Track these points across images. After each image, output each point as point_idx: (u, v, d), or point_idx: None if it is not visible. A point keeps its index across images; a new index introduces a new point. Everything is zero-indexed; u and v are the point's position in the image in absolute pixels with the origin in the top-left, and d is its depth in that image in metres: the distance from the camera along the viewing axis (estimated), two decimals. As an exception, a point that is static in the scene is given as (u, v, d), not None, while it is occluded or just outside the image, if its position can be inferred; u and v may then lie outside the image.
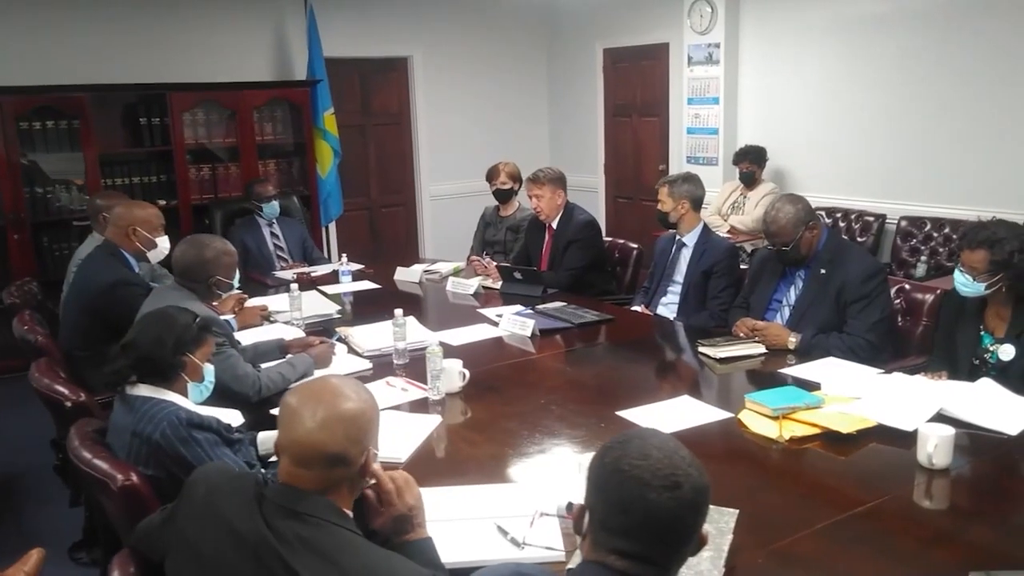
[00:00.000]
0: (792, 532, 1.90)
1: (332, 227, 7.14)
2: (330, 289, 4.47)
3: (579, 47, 7.78)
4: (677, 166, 6.88)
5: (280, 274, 4.87)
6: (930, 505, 2.10)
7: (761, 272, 3.56)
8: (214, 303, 3.89)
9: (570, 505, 2.04)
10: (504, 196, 5.12)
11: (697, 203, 4.02)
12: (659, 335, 3.75)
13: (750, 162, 5.94)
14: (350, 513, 1.52)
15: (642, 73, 7.27)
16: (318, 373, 3.02)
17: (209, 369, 2.33)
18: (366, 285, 4.61)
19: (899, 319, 3.48)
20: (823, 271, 3.29)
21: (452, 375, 2.82)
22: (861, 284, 3.19)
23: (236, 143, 6.26)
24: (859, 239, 5.63)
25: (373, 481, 1.60)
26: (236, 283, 3.10)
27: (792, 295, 3.39)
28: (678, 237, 4.07)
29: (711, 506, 1.88)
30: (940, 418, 2.41)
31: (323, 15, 6.54)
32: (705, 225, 4.07)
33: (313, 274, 4.82)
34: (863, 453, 2.32)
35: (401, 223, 7.73)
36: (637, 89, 7.36)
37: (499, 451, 2.38)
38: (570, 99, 8.01)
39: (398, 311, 3.14)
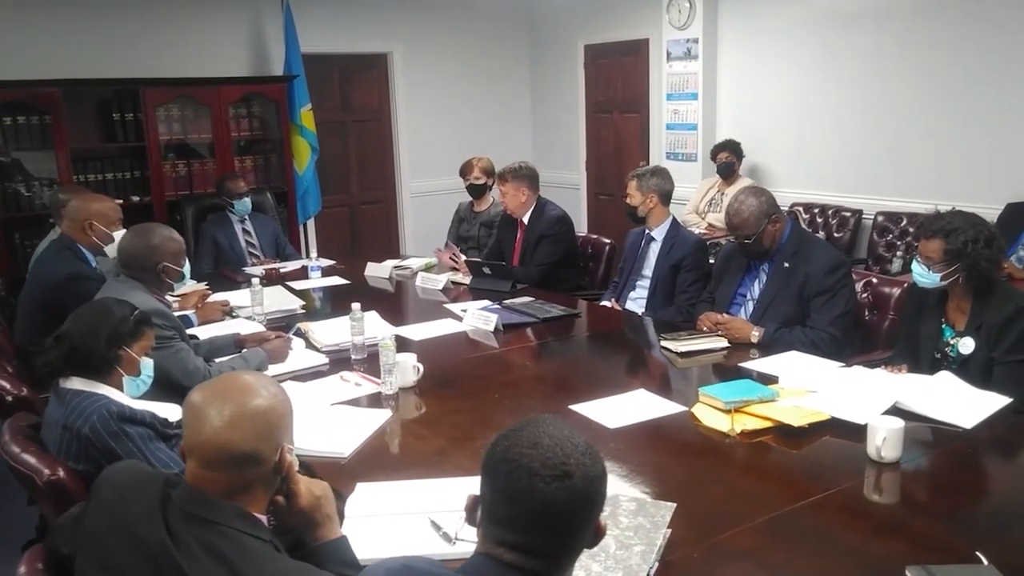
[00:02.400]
0: (733, 526, 1.86)
1: (311, 224, 7.09)
2: (298, 285, 4.43)
3: (560, 43, 7.74)
4: (657, 162, 6.83)
5: (250, 270, 4.82)
6: (876, 499, 2.06)
7: (727, 266, 3.53)
8: (173, 295, 3.88)
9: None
10: (477, 191, 5.08)
11: (666, 197, 3.99)
12: (624, 329, 3.72)
13: (730, 152, 5.91)
14: (263, 517, 1.46)
15: (622, 69, 7.23)
16: (274, 368, 2.98)
17: (147, 363, 2.28)
18: (336, 281, 4.57)
19: (866, 313, 3.46)
20: (787, 264, 3.26)
21: (406, 369, 2.78)
22: (824, 277, 3.16)
23: (212, 139, 6.20)
24: (835, 235, 5.60)
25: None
26: (187, 271, 3.02)
27: (756, 289, 3.36)
28: (647, 231, 4.04)
29: (648, 500, 1.87)
30: (896, 411, 2.38)
31: (300, 10, 6.49)
32: (674, 219, 4.04)
33: (282, 270, 4.77)
34: (815, 447, 2.28)
35: (382, 220, 7.68)
36: (617, 85, 7.32)
37: (444, 446, 2.35)
38: (551, 96, 7.97)
39: (355, 305, 3.10)
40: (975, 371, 2.70)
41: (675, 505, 1.82)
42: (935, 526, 1.87)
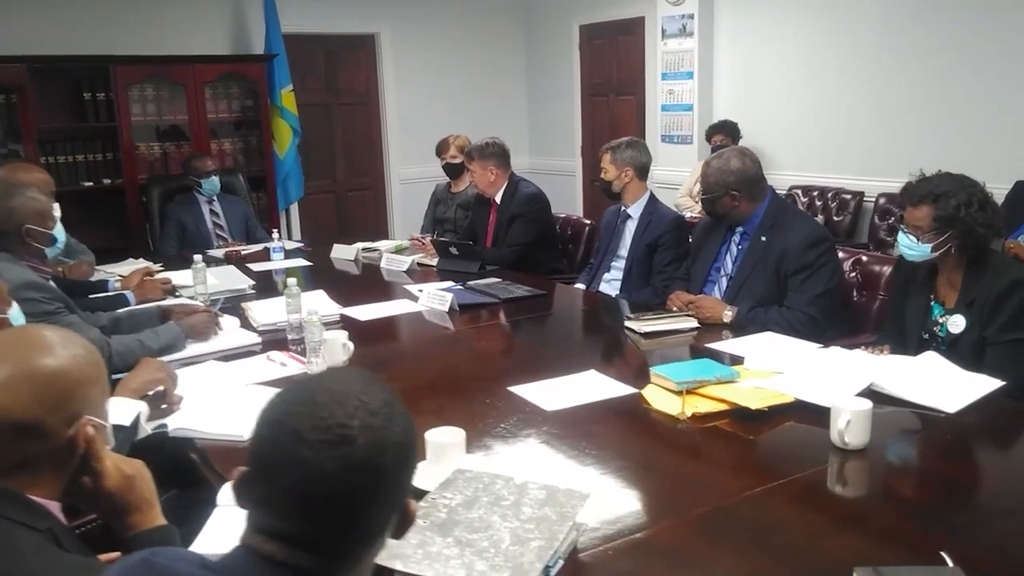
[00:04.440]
0: (660, 520, 1.61)
1: (295, 210, 6.87)
2: (258, 266, 4.20)
3: (555, 23, 7.46)
4: (653, 146, 6.49)
5: (213, 252, 4.59)
6: (835, 490, 1.79)
7: (703, 241, 3.26)
8: (115, 276, 3.65)
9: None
10: (454, 171, 4.83)
11: (642, 171, 3.72)
12: (590, 310, 3.45)
13: (725, 135, 5.62)
14: (50, 503, 1.21)
15: (618, 50, 6.95)
16: (198, 347, 2.75)
17: None
18: (298, 262, 4.33)
19: (854, 293, 3.17)
20: (763, 239, 2.98)
21: (334, 348, 2.53)
22: (803, 253, 2.88)
23: (187, 120, 5.98)
24: (835, 218, 5.30)
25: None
26: (59, 234, 2.74)
27: (730, 265, 3.08)
28: (623, 208, 3.77)
29: (560, 489, 1.61)
30: (872, 395, 2.10)
31: (282, -12, 6.26)
32: (651, 195, 3.76)
33: (243, 251, 4.54)
34: (774, 433, 2.01)
35: (369, 207, 7.43)
36: (613, 67, 7.04)
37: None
38: (546, 79, 7.69)
39: (291, 280, 2.85)
40: (966, 352, 2.42)
41: (589, 494, 1.56)
42: (899, 522, 1.60)
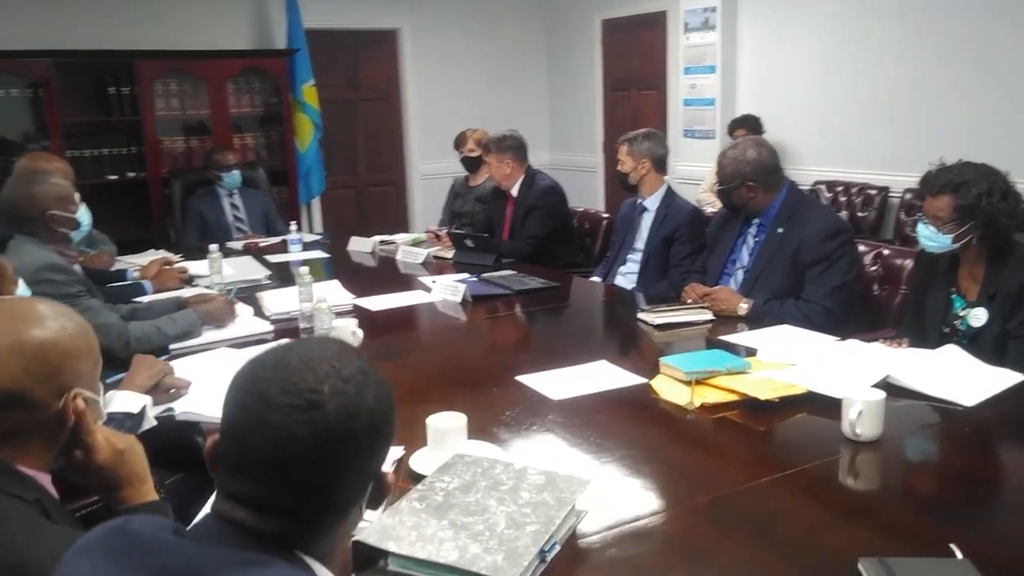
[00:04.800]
0: (662, 508, 1.57)
1: (316, 205, 6.89)
2: (276, 258, 4.21)
3: (576, 18, 7.42)
4: (675, 141, 6.49)
5: (232, 244, 4.62)
6: (844, 482, 1.75)
7: (720, 233, 3.21)
8: (135, 266, 3.68)
9: (393, 461, 1.74)
10: (472, 165, 4.81)
11: (659, 163, 3.67)
12: (604, 302, 3.41)
13: (747, 129, 5.54)
14: (38, 474, 1.20)
15: (640, 44, 6.89)
16: (212, 335, 2.75)
17: None
18: (316, 254, 4.34)
19: (875, 287, 3.11)
20: (780, 230, 2.93)
21: (343, 336, 2.52)
22: (820, 244, 2.82)
23: (209, 114, 6.02)
24: (860, 214, 5.22)
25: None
26: (83, 218, 2.76)
27: (746, 257, 3.04)
28: (639, 201, 3.73)
29: (561, 475, 1.58)
30: (888, 388, 2.05)
31: (304, -17, 6.27)
32: (669, 188, 3.72)
33: (262, 243, 4.55)
34: (785, 425, 1.97)
35: (390, 202, 7.44)
36: (636, 62, 6.99)
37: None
38: (568, 74, 7.65)
39: (303, 268, 2.85)
40: (987, 346, 2.36)
41: (589, 481, 1.53)
42: (909, 515, 1.56)
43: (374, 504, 0.96)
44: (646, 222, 3.69)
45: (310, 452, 0.86)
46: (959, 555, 1.34)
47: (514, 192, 4.25)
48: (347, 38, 6.98)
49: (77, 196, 2.93)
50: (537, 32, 7.79)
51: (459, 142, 4.85)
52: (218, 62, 5.93)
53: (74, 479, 1.27)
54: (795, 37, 5.68)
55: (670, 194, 3.69)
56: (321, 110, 6.46)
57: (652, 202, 3.67)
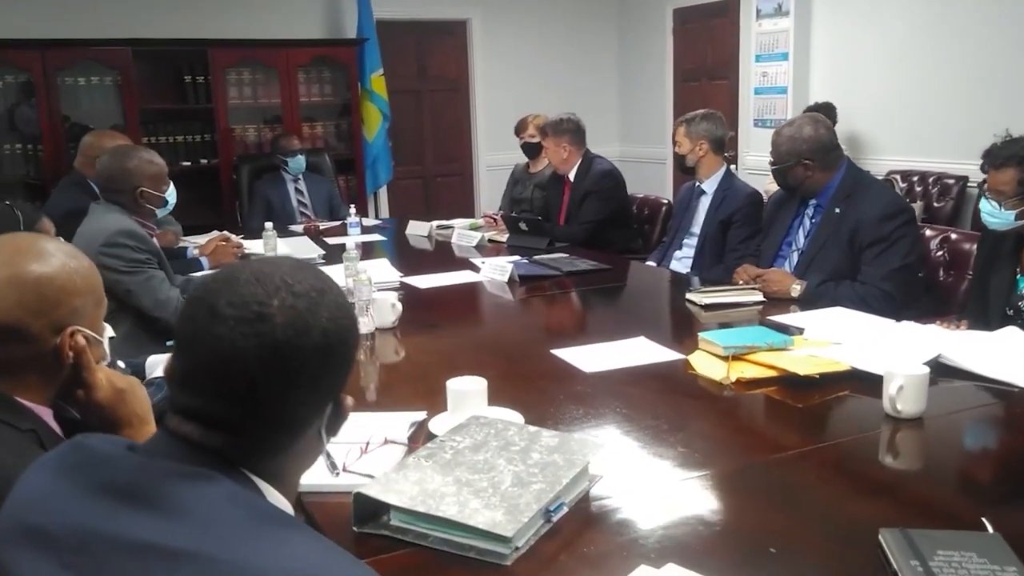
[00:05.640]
0: (681, 476, 1.52)
1: (384, 195, 6.96)
2: (334, 240, 4.26)
3: (648, 8, 7.31)
4: (745, 131, 6.35)
5: (294, 227, 4.70)
6: (876, 457, 1.65)
7: (775, 215, 3.11)
8: (194, 244, 3.78)
9: (412, 423, 1.73)
10: (531, 151, 4.78)
11: (718, 144, 3.58)
12: (655, 285, 3.34)
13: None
14: (37, 407, 1.21)
15: (711, 33, 6.75)
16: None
17: None
18: (374, 237, 4.38)
19: (940, 273, 2.97)
20: (837, 210, 2.82)
21: (383, 308, 2.53)
22: (878, 224, 2.70)
23: (280, 103, 6.14)
24: (936, 204, 4.99)
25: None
26: (171, 197, 2.87)
27: (802, 239, 2.93)
28: (697, 184, 3.64)
29: (575, 438, 1.54)
30: (940, 368, 1.95)
31: (375, -27, 6.34)
32: (728, 170, 3.63)
33: (322, 226, 4.62)
34: (826, 402, 1.88)
35: (457, 193, 7.46)
36: (706, 51, 6.84)
37: (391, 382, 2.08)
38: (638, 65, 7.54)
39: (349, 242, 2.87)
40: (1054, 329, 2.21)
41: (603, 444, 1.49)
42: (943, 491, 1.48)
43: (332, 430, 0.95)
44: (703, 205, 3.60)
45: (255, 367, 0.84)
46: (990, 529, 1.25)
47: (571, 176, 4.20)
48: (417, 28, 7.03)
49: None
50: (608, 23, 7.71)
51: (520, 128, 4.84)
52: (289, 51, 6.05)
53: (77, 417, 1.29)
54: (870, 21, 5.47)
55: (728, 176, 3.60)
56: (389, 100, 6.53)
57: (710, 185, 3.58)
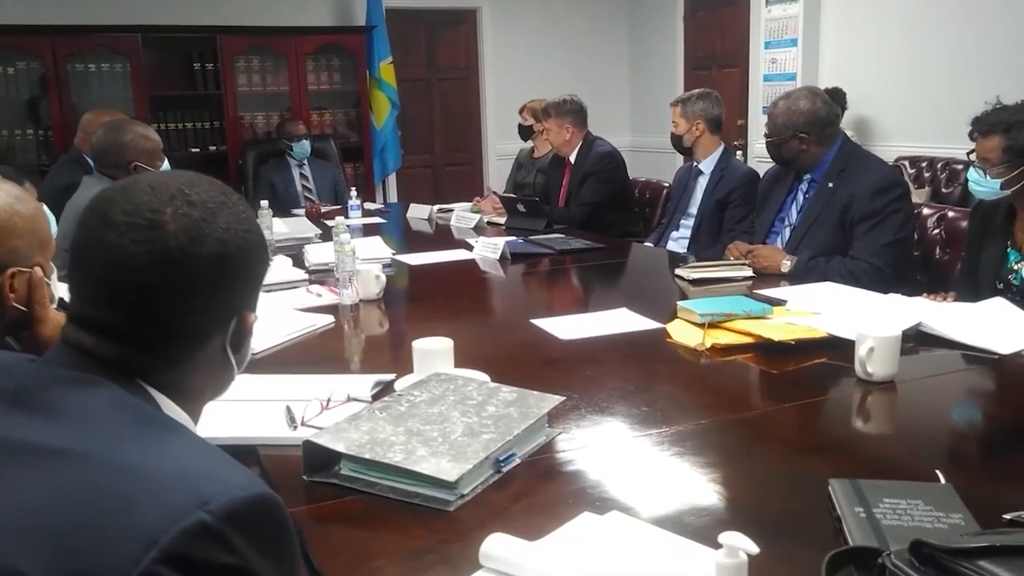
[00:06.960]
0: (638, 432, 1.50)
1: (392, 182, 6.97)
2: (334, 222, 4.27)
3: (659, -5, 7.28)
4: (755, 119, 6.28)
5: (296, 211, 4.73)
6: (840, 416, 1.63)
7: (769, 191, 3.08)
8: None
9: (378, 383, 1.73)
10: (523, 133, 4.80)
11: (714, 124, 3.56)
12: (647, 263, 3.32)
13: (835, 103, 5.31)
14: None
15: (722, 20, 6.70)
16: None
17: None
18: (374, 220, 4.39)
19: (937, 251, 2.92)
20: (830, 185, 2.78)
21: (367, 279, 2.53)
22: (871, 199, 2.66)
23: (288, 90, 6.17)
24: (944, 190, 4.92)
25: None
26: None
27: (795, 215, 2.90)
28: (694, 164, 3.62)
29: (534, 393, 1.53)
30: (921, 336, 1.93)
31: (383, -40, 6.35)
32: (725, 150, 3.60)
33: (324, 209, 4.64)
34: (800, 369, 1.85)
35: (466, 181, 7.44)
36: (717, 39, 6.79)
37: (368, 348, 2.08)
38: (649, 54, 7.50)
39: (339, 218, 2.88)
40: (1041, 301, 2.18)
41: (562, 398, 1.48)
42: (903, 448, 1.46)
43: (237, 348, 0.94)
44: (701, 185, 3.58)
45: (146, 274, 0.83)
46: (942, 480, 1.23)
47: (572, 159, 4.18)
48: (426, 16, 7.03)
49: None
50: (619, 11, 7.67)
51: (519, 110, 4.84)
52: (298, 39, 6.07)
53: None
54: (879, 7, 5.40)
55: (726, 156, 3.57)
56: (398, 88, 6.54)
57: (707, 164, 3.56)
